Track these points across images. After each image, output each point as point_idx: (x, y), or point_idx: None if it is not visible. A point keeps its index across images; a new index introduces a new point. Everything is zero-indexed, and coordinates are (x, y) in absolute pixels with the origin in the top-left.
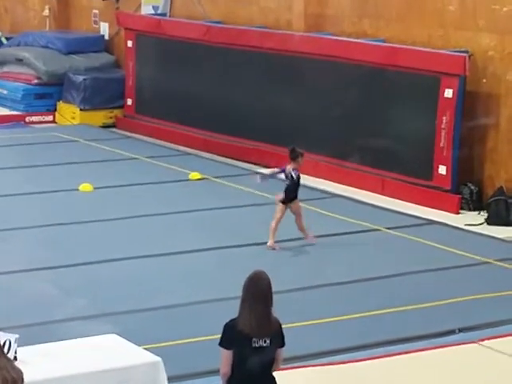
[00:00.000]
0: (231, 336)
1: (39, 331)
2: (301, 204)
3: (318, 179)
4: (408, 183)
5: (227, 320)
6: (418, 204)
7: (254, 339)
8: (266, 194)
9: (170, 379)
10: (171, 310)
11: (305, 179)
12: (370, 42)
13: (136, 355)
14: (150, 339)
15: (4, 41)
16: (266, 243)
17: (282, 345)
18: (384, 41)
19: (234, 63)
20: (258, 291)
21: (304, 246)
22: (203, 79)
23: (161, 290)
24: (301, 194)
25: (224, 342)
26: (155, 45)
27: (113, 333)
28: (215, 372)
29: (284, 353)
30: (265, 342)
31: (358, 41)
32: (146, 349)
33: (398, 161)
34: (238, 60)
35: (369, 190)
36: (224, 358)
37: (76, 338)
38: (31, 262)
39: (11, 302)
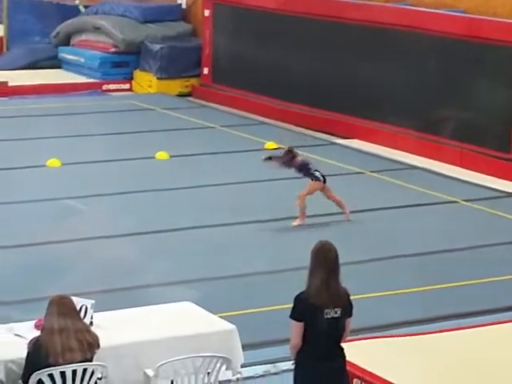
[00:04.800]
0: (303, 308)
1: (120, 297)
2: (377, 175)
3: (396, 151)
4: (486, 155)
5: (299, 290)
6: (496, 177)
7: (325, 310)
8: (341, 164)
9: (244, 347)
10: (246, 278)
11: (383, 151)
12: (452, 13)
13: (211, 323)
14: (225, 307)
15: (82, 9)
16: (338, 213)
17: (350, 315)
18: (464, 12)
19: (312, 33)
20: (327, 262)
21: (378, 217)
22: (280, 49)
23: (237, 259)
24: (380, 165)
25: (296, 314)
26: (232, 14)
27: (191, 299)
28: (288, 341)
29: (352, 324)
30: (336, 312)
31: (440, 11)
32: (221, 317)
33: (477, 133)
34: (316, 30)
35: (447, 161)
36: (295, 330)
37: (156, 303)
38: (113, 227)
39: (93, 268)
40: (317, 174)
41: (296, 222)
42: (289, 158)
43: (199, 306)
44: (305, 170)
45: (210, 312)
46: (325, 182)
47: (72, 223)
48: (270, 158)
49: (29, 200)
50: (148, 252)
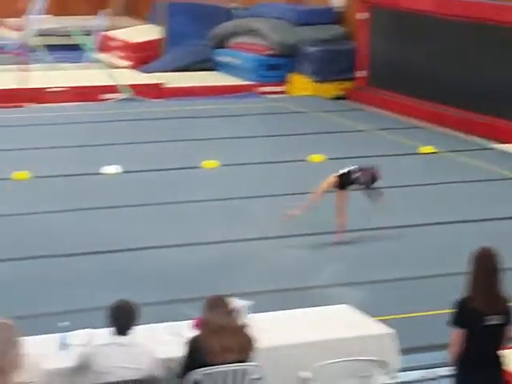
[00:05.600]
0: (464, 314)
1: (294, 296)
2: None
3: None
4: None
5: (455, 296)
6: None
7: (486, 317)
8: (499, 170)
9: (401, 352)
10: (404, 282)
11: None
12: None
13: (368, 326)
14: (383, 311)
15: (238, 12)
16: (493, 220)
17: (510, 322)
18: None
19: (469, 36)
20: (491, 268)
21: None
22: (436, 52)
23: (395, 263)
24: None
25: (457, 321)
26: (388, 17)
27: (353, 302)
28: (445, 346)
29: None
30: (497, 319)
31: None
32: (378, 320)
33: None
34: (472, 33)
35: None
36: (456, 337)
37: (318, 305)
38: (281, 228)
39: (263, 268)
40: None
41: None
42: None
43: (360, 308)
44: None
45: (368, 315)
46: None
47: (241, 223)
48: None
49: (197, 200)
50: (325, 251)
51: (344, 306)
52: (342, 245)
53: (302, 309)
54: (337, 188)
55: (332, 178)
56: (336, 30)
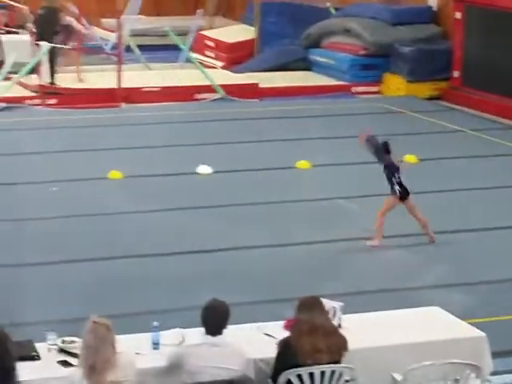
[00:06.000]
0: None
1: (387, 297)
2: None
3: None
4: None
5: None
6: None
7: None
8: None
9: (493, 355)
10: (498, 285)
11: None
12: None
13: (460, 329)
14: (476, 313)
15: (333, 11)
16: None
17: None
18: None
19: None
20: None
21: None
22: None
23: (491, 265)
24: None
25: None
26: (484, 16)
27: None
28: None
29: None
30: None
31: None
32: (470, 323)
33: None
34: None
35: None
36: None
37: (417, 306)
38: (392, 228)
39: (366, 268)
40: (395, 187)
41: (372, 242)
42: (380, 150)
43: (453, 310)
44: (389, 173)
45: (460, 317)
46: (403, 198)
47: (336, 224)
48: (368, 140)
49: (291, 200)
50: (432, 252)
51: (436, 308)
52: (439, 246)
53: (393, 310)
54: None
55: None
56: (431, 29)
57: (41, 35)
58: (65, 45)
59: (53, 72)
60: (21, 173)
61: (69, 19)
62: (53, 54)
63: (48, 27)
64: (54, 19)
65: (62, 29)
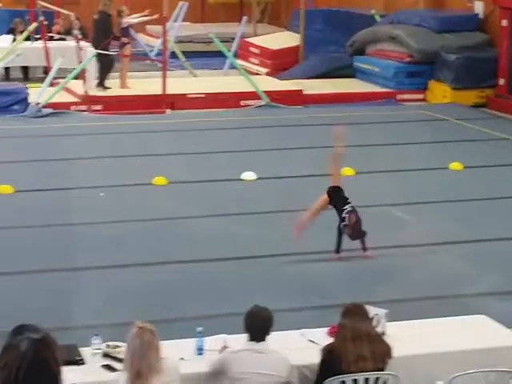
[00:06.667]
0: None
1: (440, 305)
2: None
3: None
4: None
5: None
6: None
7: None
8: None
9: None
10: None
11: None
12: None
13: (505, 337)
14: None
15: (378, 19)
16: None
17: None
18: None
19: None
20: None
21: None
22: None
23: None
24: None
25: None
26: None
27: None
28: None
29: None
30: None
31: None
32: None
33: None
34: None
35: None
36: None
37: (476, 313)
38: (442, 235)
39: (417, 276)
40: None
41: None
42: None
43: (501, 319)
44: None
45: (506, 326)
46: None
47: (396, 231)
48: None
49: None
50: (478, 260)
51: (482, 316)
52: (489, 254)
53: (439, 318)
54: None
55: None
56: (477, 37)
57: (95, 40)
58: (121, 49)
59: (105, 77)
60: (68, 178)
61: (125, 21)
62: (107, 60)
63: (102, 32)
64: (107, 24)
65: (122, 32)
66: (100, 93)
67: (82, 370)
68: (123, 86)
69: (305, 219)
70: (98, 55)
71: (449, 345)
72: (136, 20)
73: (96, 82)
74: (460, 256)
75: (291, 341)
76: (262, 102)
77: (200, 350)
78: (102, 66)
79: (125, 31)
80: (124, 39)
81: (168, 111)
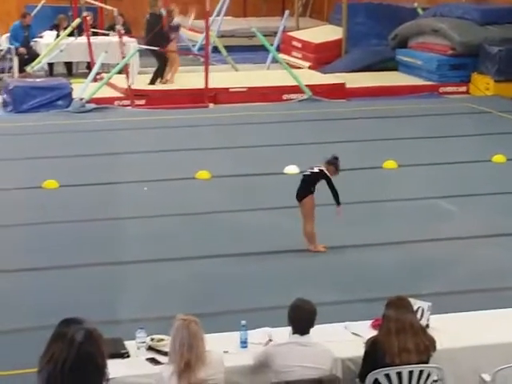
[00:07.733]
0: None
1: (485, 298)
2: None
3: None
4: None
5: None
6: None
7: None
8: None
9: None
10: None
11: None
12: None
13: None
14: None
15: (420, 12)
16: None
17: None
18: None
19: None
20: None
21: None
22: None
23: None
24: None
25: None
26: None
27: None
28: None
29: None
30: None
31: None
32: None
33: None
34: None
35: None
36: None
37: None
38: (489, 227)
39: (460, 268)
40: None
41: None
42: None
43: None
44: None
45: None
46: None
47: (443, 223)
48: None
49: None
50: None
51: None
52: None
53: (483, 311)
54: None
55: None
56: None
57: (149, 41)
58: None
59: (158, 75)
60: (112, 173)
61: (176, 21)
62: (163, 58)
63: (152, 32)
64: (157, 24)
65: (171, 30)
66: (143, 87)
67: (127, 362)
68: (171, 80)
69: (311, 231)
70: (156, 55)
71: (494, 337)
72: (188, 24)
73: (150, 78)
74: (507, 248)
75: (335, 333)
76: (305, 96)
77: (244, 343)
78: (160, 64)
79: (173, 28)
80: (172, 35)
81: (211, 105)
